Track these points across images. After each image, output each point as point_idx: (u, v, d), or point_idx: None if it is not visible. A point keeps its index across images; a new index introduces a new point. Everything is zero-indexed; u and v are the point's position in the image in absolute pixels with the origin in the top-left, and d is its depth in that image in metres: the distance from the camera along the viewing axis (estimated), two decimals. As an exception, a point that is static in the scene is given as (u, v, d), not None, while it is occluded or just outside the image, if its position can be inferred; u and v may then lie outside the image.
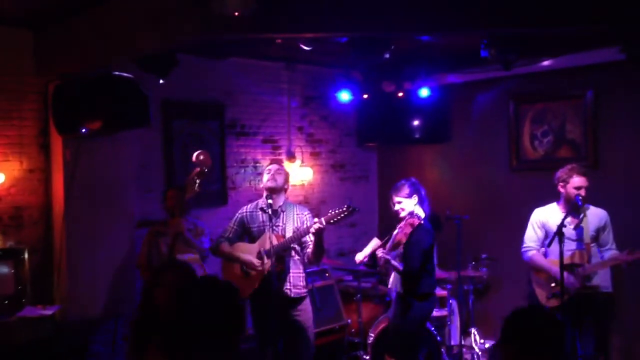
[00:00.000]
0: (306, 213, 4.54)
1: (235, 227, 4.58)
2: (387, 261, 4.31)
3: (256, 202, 4.63)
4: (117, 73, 4.40)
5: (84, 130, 4.51)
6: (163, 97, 5.48)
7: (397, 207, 4.42)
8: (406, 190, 4.41)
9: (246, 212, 4.58)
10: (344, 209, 4.14)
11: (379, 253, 4.37)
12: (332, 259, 6.55)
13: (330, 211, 4.21)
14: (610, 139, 5.59)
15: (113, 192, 5.00)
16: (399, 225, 4.38)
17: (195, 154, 4.33)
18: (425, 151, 6.93)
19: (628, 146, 5.48)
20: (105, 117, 4.40)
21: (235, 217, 4.62)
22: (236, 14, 3.32)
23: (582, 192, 4.44)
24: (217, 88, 5.99)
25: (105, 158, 5.04)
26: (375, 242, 4.45)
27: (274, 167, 4.55)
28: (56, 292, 5.01)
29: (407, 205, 4.38)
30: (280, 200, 4.46)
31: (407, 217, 4.34)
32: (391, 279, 4.58)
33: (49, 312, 4.56)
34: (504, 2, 3.51)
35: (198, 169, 4.29)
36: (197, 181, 4.27)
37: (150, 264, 4.76)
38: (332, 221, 4.16)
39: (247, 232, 4.55)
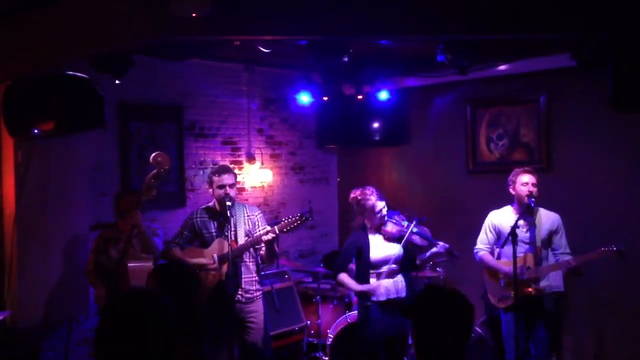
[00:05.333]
0: (257, 213, 4.55)
1: (185, 232, 4.55)
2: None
3: (206, 206, 4.60)
4: (70, 73, 4.29)
5: (36, 131, 4.38)
6: (120, 98, 5.38)
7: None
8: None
9: (196, 217, 4.55)
10: (297, 217, 4.19)
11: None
12: (291, 261, 6.54)
13: (283, 219, 4.25)
14: (562, 142, 5.75)
15: (66, 195, 4.86)
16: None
17: (152, 155, 4.29)
18: (384, 153, 6.99)
19: (579, 149, 5.64)
20: (58, 118, 4.28)
21: (185, 222, 4.60)
22: (194, 15, 3.29)
23: (531, 188, 4.54)
24: (176, 90, 5.91)
25: (59, 160, 4.90)
26: None
27: (228, 179, 4.40)
28: (7, 297, 4.85)
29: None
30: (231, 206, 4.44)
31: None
32: (387, 284, 4.45)
33: (-1, 317, 4.44)
34: (460, 10, 3.57)
35: (155, 171, 4.27)
36: (155, 183, 4.20)
37: (99, 271, 4.61)
38: (285, 230, 4.20)
39: (198, 237, 4.53)
